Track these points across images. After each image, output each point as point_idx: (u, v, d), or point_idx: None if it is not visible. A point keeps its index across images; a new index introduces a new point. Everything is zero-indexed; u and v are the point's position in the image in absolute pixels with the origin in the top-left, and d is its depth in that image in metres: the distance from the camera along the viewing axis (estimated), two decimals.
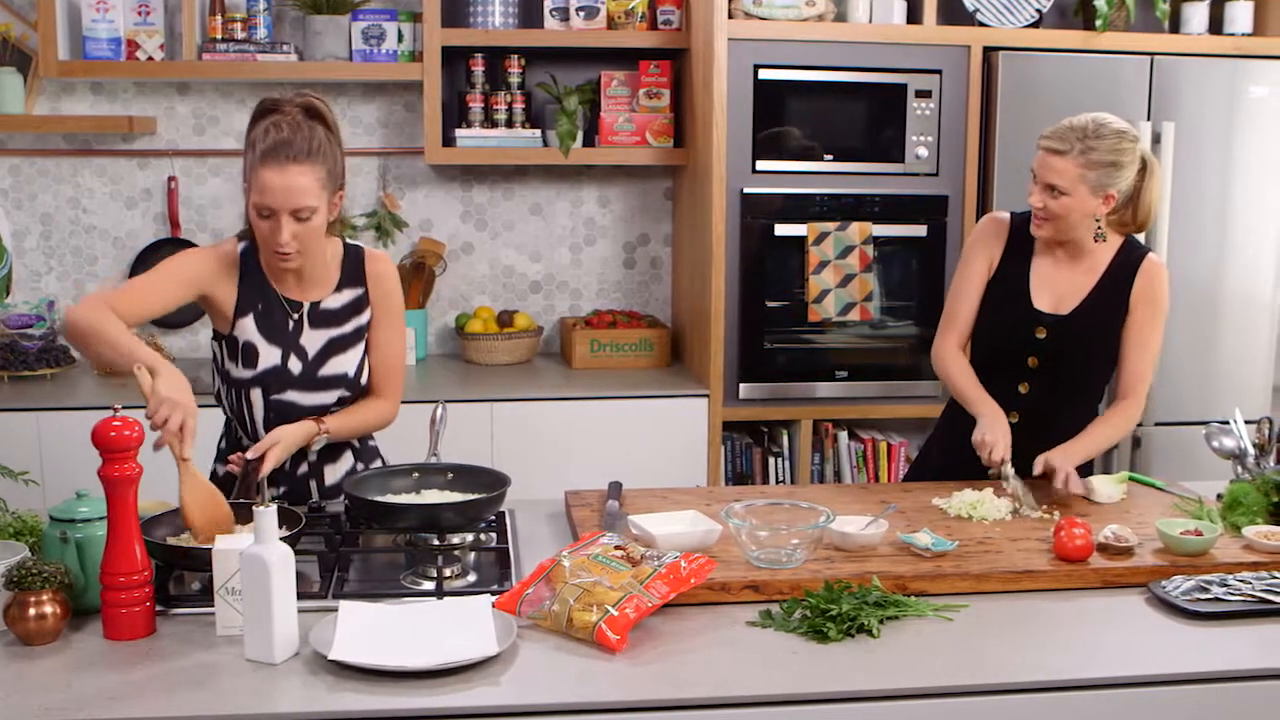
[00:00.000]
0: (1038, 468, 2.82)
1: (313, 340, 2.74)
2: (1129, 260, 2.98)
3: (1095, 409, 3.08)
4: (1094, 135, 2.82)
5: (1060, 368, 3.00)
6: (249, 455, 2.58)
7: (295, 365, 2.72)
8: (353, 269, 2.80)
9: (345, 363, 2.76)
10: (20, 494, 2.27)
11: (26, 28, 4.41)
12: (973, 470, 2.92)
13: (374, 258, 2.83)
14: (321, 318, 2.76)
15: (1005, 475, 2.82)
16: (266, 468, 2.58)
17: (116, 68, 4.27)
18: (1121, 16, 4.34)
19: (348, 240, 2.84)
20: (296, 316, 2.74)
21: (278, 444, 2.61)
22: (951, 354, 3.09)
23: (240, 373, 2.71)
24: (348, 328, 2.77)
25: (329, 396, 2.75)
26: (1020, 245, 3.04)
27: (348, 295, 2.78)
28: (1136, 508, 2.77)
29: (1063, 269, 3.00)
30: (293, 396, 2.72)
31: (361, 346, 2.79)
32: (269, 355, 2.70)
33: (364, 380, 2.80)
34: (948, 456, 3.12)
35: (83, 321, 2.50)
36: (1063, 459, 2.83)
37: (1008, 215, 3.09)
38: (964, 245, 3.16)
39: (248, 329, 2.70)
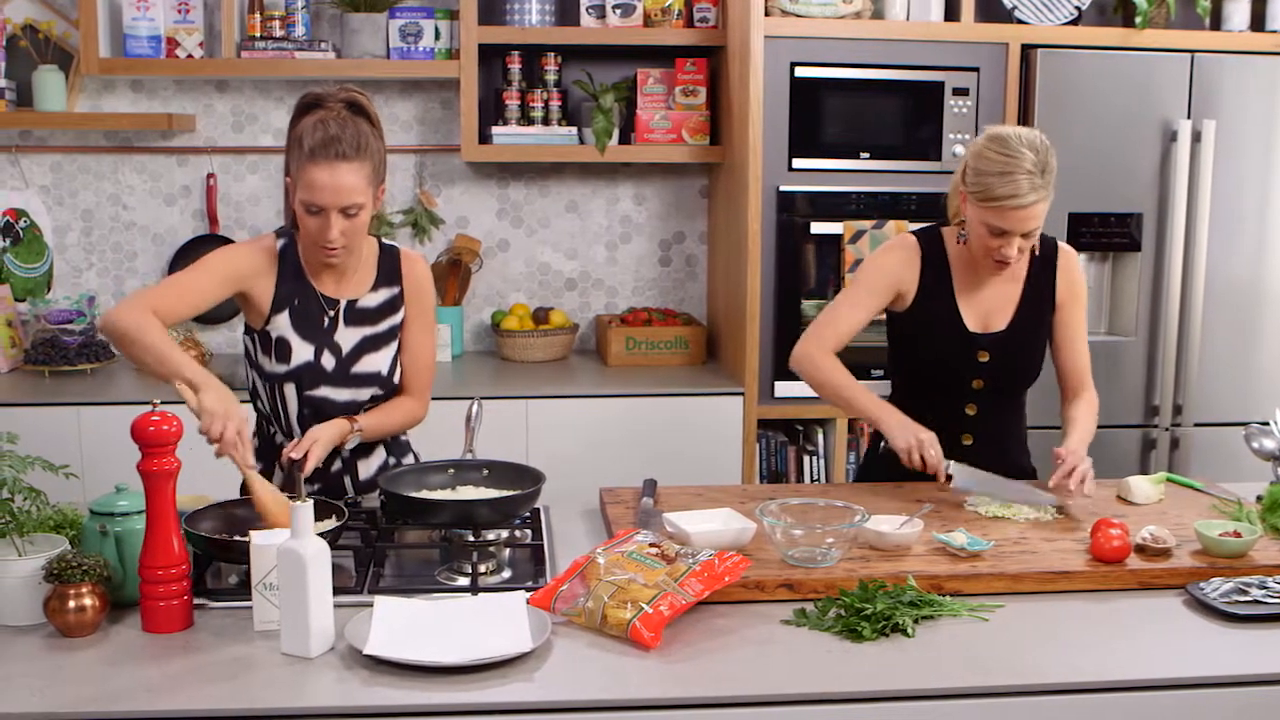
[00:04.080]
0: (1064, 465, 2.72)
1: (347, 337, 2.76)
2: (1044, 255, 2.93)
3: (1025, 404, 3.07)
4: (1045, 163, 2.68)
5: (1004, 382, 2.95)
6: (293, 455, 2.60)
7: (329, 361, 2.74)
8: (389, 268, 2.82)
9: (378, 361, 2.78)
10: (60, 487, 2.29)
11: (68, 26, 4.45)
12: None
13: (410, 258, 2.85)
14: (357, 315, 2.77)
15: (959, 473, 2.77)
16: (309, 466, 2.60)
17: (156, 65, 4.30)
18: (1162, 14, 4.30)
19: (384, 240, 2.86)
20: (332, 313, 2.75)
21: (317, 442, 2.63)
22: (828, 356, 2.92)
23: (274, 367, 2.73)
24: (382, 326, 2.79)
25: (363, 393, 2.77)
26: (936, 270, 2.92)
27: (383, 294, 2.80)
28: (1174, 509, 2.75)
29: (988, 284, 2.92)
30: (326, 392, 2.74)
31: (395, 345, 2.81)
32: (302, 351, 2.72)
33: (397, 379, 2.82)
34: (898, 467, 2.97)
35: (126, 326, 2.52)
36: (1079, 456, 2.75)
37: (915, 239, 2.95)
38: (869, 260, 2.97)
39: (282, 325, 2.72)
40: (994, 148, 2.71)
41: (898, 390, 3.06)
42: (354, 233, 2.63)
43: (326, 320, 2.75)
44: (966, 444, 2.92)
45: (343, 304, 2.77)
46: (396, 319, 2.81)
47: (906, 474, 2.88)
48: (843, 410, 2.93)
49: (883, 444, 2.86)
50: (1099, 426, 2.99)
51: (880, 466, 3.04)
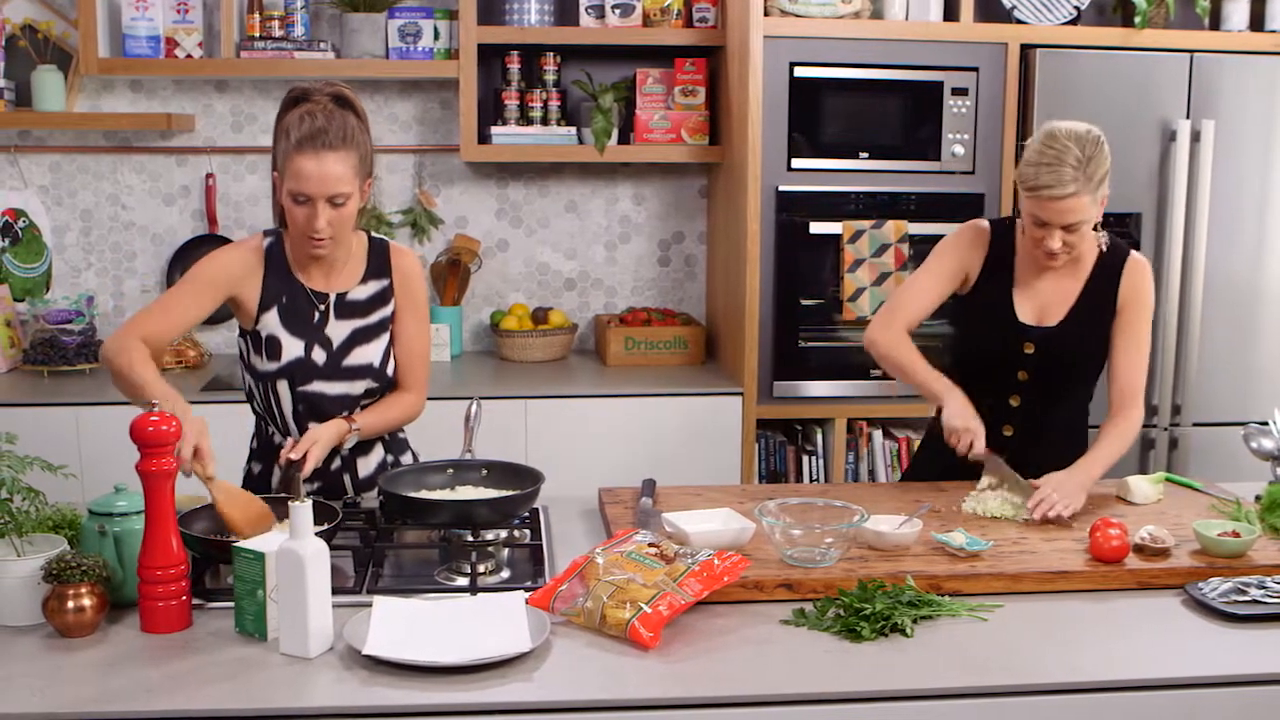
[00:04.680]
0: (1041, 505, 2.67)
1: (338, 331, 2.76)
2: (1113, 261, 2.92)
3: (1086, 407, 3.05)
4: (1089, 157, 2.70)
5: (1051, 379, 2.94)
6: (292, 456, 2.60)
7: (319, 356, 2.74)
8: (378, 261, 2.82)
9: (370, 353, 2.78)
10: (59, 487, 2.29)
11: (67, 26, 4.45)
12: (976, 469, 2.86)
13: (399, 252, 2.85)
14: (347, 309, 2.78)
15: (988, 463, 2.79)
16: (308, 468, 2.60)
17: (155, 65, 4.30)
18: (1161, 13, 4.30)
19: (373, 234, 2.86)
20: (323, 307, 2.76)
21: (316, 443, 2.63)
22: (901, 337, 2.97)
23: (265, 366, 2.73)
24: (372, 319, 2.79)
25: (356, 387, 2.77)
26: (1000, 257, 2.95)
27: (373, 287, 2.80)
28: (1173, 508, 2.75)
29: (1047, 278, 2.92)
30: (319, 387, 2.74)
31: (386, 337, 2.81)
32: (292, 347, 2.73)
33: (390, 371, 2.82)
34: (949, 457, 2.96)
35: (117, 364, 2.57)
36: (1073, 488, 2.69)
37: (988, 225, 2.99)
38: (942, 242, 3.03)
39: (271, 323, 2.73)
40: (1044, 141, 2.75)
41: (949, 375, 3.04)
42: (341, 223, 2.64)
43: (316, 315, 2.75)
44: (1006, 435, 2.91)
45: (332, 297, 2.77)
46: (387, 311, 2.81)
47: (954, 460, 2.88)
48: (912, 388, 2.96)
49: (936, 410, 2.89)
50: (1092, 426, 2.97)
51: (933, 449, 3.05)
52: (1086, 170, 2.69)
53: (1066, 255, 2.81)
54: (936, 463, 3.04)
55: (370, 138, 2.69)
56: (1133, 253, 2.95)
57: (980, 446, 2.80)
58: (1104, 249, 2.91)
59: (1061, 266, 2.87)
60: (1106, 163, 2.74)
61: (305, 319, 2.75)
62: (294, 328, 2.74)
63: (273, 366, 2.73)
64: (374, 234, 2.87)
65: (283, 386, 2.74)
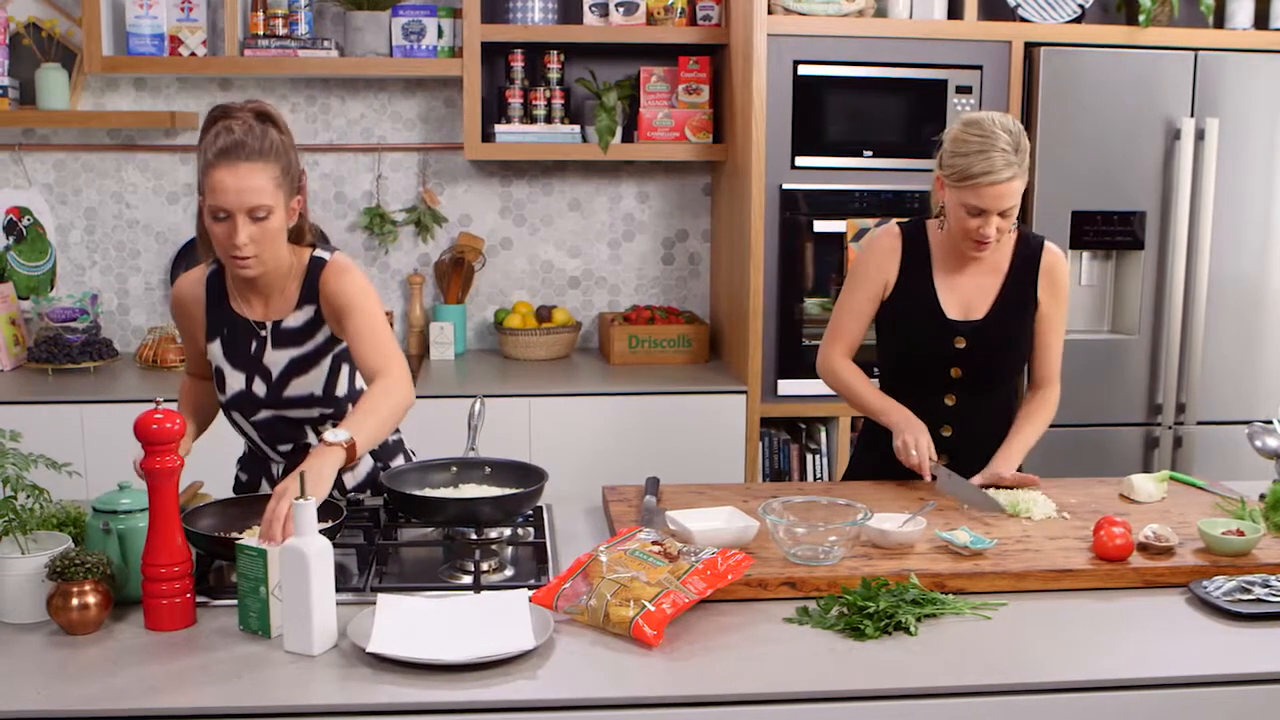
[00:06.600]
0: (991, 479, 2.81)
1: (275, 360, 2.67)
2: (1029, 251, 2.95)
3: (1014, 397, 3.08)
4: (1016, 141, 2.73)
5: (982, 373, 2.96)
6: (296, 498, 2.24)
7: (260, 388, 2.68)
8: (310, 285, 2.66)
9: (310, 383, 2.67)
10: (63, 485, 2.29)
11: (71, 24, 4.46)
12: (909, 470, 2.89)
13: (330, 270, 2.65)
14: (283, 337, 2.67)
15: (938, 476, 2.80)
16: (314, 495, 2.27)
17: (159, 63, 4.30)
18: (1165, 11, 4.30)
19: (316, 253, 2.68)
20: (262, 334, 2.67)
21: (307, 474, 2.16)
22: (842, 362, 3.03)
23: (219, 396, 2.72)
24: (308, 347, 2.67)
25: (307, 413, 2.70)
26: (916, 257, 2.96)
27: (306, 312, 2.67)
28: (1177, 507, 2.75)
29: (968, 273, 2.94)
30: (269, 415, 2.70)
31: (326, 364, 2.68)
32: (234, 380, 2.68)
33: (340, 392, 2.69)
34: (884, 458, 2.99)
35: None
36: (1005, 466, 2.84)
37: (898, 228, 3.00)
38: (855, 259, 3.05)
39: (216, 354, 2.70)
40: (970, 131, 2.76)
41: (882, 382, 3.07)
42: (265, 240, 2.51)
43: (254, 344, 2.67)
44: (945, 435, 2.94)
45: (269, 326, 2.67)
46: (320, 338, 2.68)
47: (892, 471, 2.91)
48: (861, 412, 2.99)
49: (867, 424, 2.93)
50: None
51: (868, 463, 3.09)
52: (1018, 154, 2.73)
53: (998, 241, 2.83)
54: (875, 463, 3.04)
55: (295, 154, 2.58)
56: (1046, 243, 2.98)
57: (914, 453, 2.82)
58: (1017, 238, 2.95)
59: (988, 256, 2.89)
60: (1028, 144, 2.77)
61: (244, 350, 2.68)
62: (235, 360, 2.69)
63: (222, 398, 2.71)
64: (316, 252, 2.68)
65: (237, 416, 2.73)
